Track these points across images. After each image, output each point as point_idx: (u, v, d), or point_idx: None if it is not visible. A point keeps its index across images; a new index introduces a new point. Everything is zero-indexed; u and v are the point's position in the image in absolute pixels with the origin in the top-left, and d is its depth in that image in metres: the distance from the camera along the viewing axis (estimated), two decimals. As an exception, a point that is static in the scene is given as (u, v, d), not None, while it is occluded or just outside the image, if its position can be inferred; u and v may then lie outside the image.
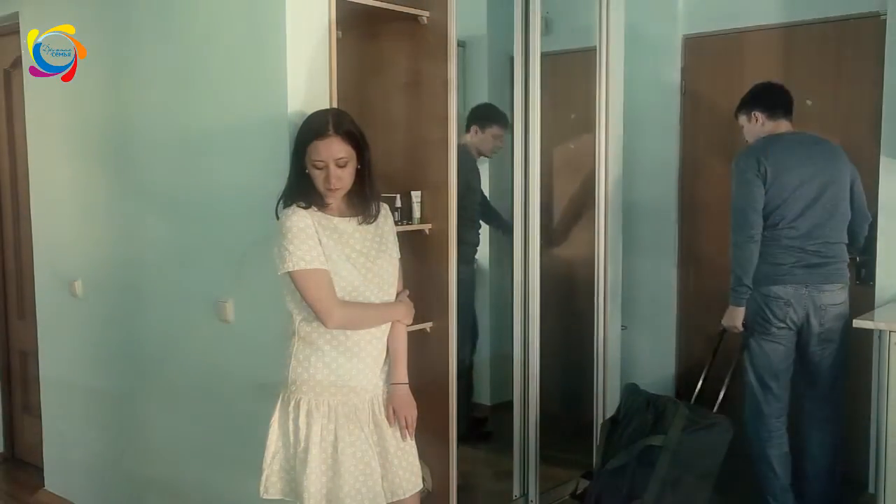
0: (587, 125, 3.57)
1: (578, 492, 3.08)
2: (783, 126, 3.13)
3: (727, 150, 3.16)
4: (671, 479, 2.74)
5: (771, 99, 3.15)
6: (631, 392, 3.08)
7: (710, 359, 3.27)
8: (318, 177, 2.07)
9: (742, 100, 3.22)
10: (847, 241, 3.10)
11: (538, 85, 3.19)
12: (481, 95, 4.16)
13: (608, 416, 3.65)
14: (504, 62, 4.27)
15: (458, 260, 2.73)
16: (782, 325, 3.04)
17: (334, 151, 2.05)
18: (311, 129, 2.08)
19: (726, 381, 3.19)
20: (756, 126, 3.16)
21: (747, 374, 3.15)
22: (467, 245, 3.60)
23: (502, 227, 4.18)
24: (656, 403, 2.90)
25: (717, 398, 3.10)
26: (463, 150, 3.18)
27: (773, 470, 3.13)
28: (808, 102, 3.38)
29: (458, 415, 2.77)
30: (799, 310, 3.02)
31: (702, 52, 3.89)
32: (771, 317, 3.04)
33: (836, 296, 3.05)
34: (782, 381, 3.13)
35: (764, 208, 3.01)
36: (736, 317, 3.10)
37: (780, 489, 3.13)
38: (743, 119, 3.21)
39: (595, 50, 3.51)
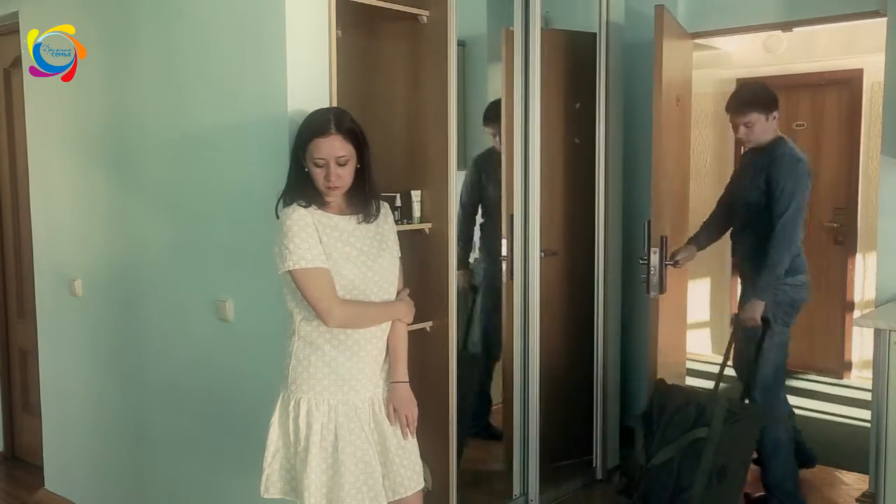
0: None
1: (620, 487, 3.14)
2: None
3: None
4: (716, 469, 2.83)
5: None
6: (661, 387, 3.12)
7: (727, 353, 3.26)
8: (318, 175, 2.07)
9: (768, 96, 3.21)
10: None
11: (538, 84, 3.19)
12: (481, 94, 4.15)
13: (608, 415, 3.67)
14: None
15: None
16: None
17: (335, 149, 2.05)
18: (313, 127, 2.07)
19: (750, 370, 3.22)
20: (772, 123, 3.17)
21: (767, 362, 3.15)
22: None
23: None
24: (695, 398, 2.97)
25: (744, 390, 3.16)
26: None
27: (787, 453, 3.21)
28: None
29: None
30: None
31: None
32: (800, 304, 3.17)
33: None
34: None
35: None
36: (759, 310, 3.12)
37: (791, 474, 3.23)
38: (760, 116, 3.16)
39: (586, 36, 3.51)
